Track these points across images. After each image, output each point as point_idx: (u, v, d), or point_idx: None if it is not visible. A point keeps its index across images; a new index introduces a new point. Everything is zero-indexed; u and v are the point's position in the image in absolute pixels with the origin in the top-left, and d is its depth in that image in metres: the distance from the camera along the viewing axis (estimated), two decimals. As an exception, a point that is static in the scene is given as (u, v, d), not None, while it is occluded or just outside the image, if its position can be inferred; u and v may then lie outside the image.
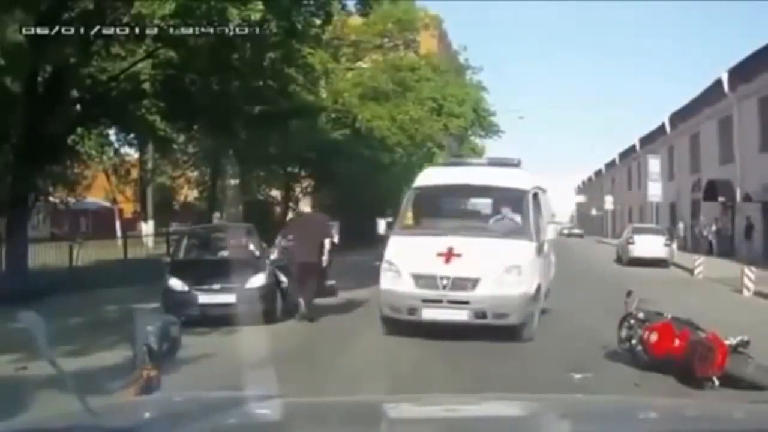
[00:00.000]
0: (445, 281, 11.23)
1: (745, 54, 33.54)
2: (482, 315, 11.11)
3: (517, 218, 12.54)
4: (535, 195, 13.05)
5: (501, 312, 11.11)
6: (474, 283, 11.21)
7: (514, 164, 13.93)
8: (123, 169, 43.37)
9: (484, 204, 14.06)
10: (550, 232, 13.26)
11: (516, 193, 12.74)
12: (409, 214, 13.21)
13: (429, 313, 11.25)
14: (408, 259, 11.67)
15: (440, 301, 11.23)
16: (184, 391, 4.42)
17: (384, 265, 11.91)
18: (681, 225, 41.88)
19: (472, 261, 11.33)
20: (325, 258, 13.76)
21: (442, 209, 13.85)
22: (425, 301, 11.28)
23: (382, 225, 13.55)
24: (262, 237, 14.75)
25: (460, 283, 11.23)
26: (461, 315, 11.15)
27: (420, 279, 11.42)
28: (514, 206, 12.71)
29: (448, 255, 11.41)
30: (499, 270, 11.31)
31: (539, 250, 12.31)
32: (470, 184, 13.12)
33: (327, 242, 13.91)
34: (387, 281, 11.75)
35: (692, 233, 39.73)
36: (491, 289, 11.15)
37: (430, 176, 13.90)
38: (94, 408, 2.25)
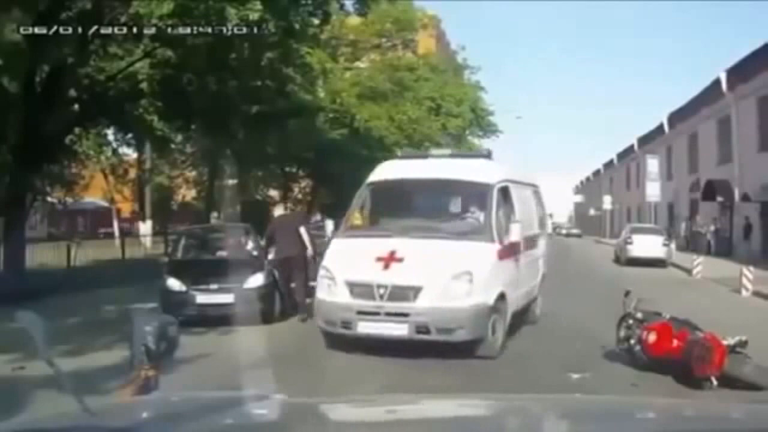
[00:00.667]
0: (382, 290, 9.76)
1: (744, 54, 33.65)
2: (424, 329, 9.64)
3: (481, 216, 11.04)
4: (504, 190, 11.45)
5: (446, 326, 9.64)
6: (415, 292, 9.73)
7: (483, 155, 12.62)
8: (121, 168, 43.38)
9: (443, 200, 12.26)
10: (513, 233, 10.88)
11: (478, 188, 11.18)
12: (358, 214, 11.79)
13: (364, 327, 9.81)
14: (345, 265, 10.31)
15: (377, 314, 9.75)
16: (182, 391, 4.42)
17: (320, 272, 10.62)
18: (683, 225, 41.73)
19: (415, 267, 9.88)
20: (309, 251, 13.69)
21: (395, 207, 12.01)
22: (360, 313, 9.82)
23: (329, 226, 12.68)
24: (260, 237, 14.74)
25: (399, 293, 9.74)
26: (400, 329, 9.66)
27: (355, 287, 9.99)
28: (476, 202, 11.25)
29: (388, 260, 9.98)
30: (444, 277, 9.84)
31: (505, 252, 10.72)
32: (427, 178, 11.55)
33: (303, 230, 13.89)
34: (322, 290, 10.47)
35: (691, 232, 39.70)
36: (435, 299, 9.70)
37: (385, 170, 12.23)
38: (91, 408, 2.25)
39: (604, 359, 10.07)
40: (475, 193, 11.33)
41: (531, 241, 12.57)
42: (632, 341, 9.68)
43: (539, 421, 2.65)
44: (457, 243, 10.34)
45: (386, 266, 9.93)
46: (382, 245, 10.25)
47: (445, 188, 11.80)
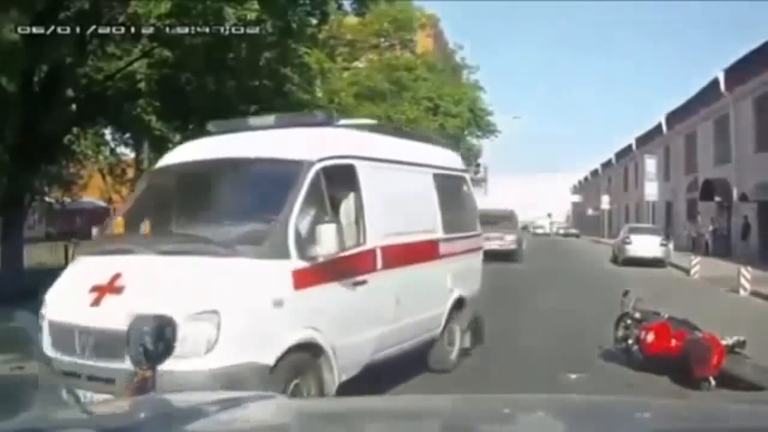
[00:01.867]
0: (84, 338, 6.09)
1: (742, 54, 33.66)
2: None
3: (277, 214, 6.87)
4: (341, 171, 7.58)
5: None
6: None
7: (318, 123, 8.18)
8: (119, 168, 43.36)
9: (234, 192, 7.97)
10: (324, 241, 6.70)
11: (283, 169, 7.26)
12: (121, 219, 8.17)
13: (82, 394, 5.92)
14: (58, 298, 6.70)
15: (78, 376, 5.93)
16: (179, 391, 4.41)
17: (42, 310, 6.81)
18: (687, 225, 41.28)
19: (134, 301, 5.96)
20: None
21: (168, 206, 8.24)
22: (65, 374, 5.97)
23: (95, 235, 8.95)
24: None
25: (105, 344, 5.90)
26: None
27: (57, 333, 6.37)
28: (281, 192, 7.04)
29: (105, 290, 6.27)
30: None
31: (321, 273, 6.82)
32: (217, 159, 7.74)
33: None
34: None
35: (696, 233, 39.36)
36: None
37: (177, 153, 8.60)
38: (89, 408, 2.24)
39: (602, 359, 10.07)
40: (279, 179, 7.38)
41: (416, 251, 8.65)
42: (630, 341, 9.69)
43: (536, 421, 2.65)
44: (216, 261, 6.35)
45: (97, 300, 6.24)
46: (110, 266, 6.55)
47: (237, 173, 7.88)
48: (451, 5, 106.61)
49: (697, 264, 25.11)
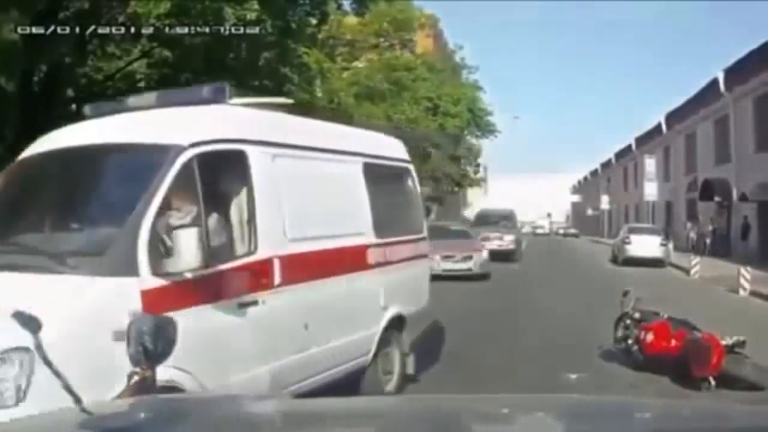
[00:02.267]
0: None
1: (742, 54, 33.67)
2: None
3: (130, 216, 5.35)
4: (227, 158, 6.04)
5: None
6: None
7: (204, 99, 6.40)
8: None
9: (88, 188, 6.23)
10: (184, 252, 5.14)
11: (145, 158, 5.79)
12: None
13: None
14: None
15: None
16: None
17: None
18: (689, 225, 41.06)
19: None
20: None
21: (19, 206, 6.27)
22: None
23: None
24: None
25: None
26: None
27: None
28: (140, 186, 5.49)
29: None
30: None
31: (186, 293, 5.26)
32: (75, 146, 6.14)
33: None
34: None
35: (698, 234, 39.14)
36: None
37: (43, 141, 6.77)
38: (89, 408, 2.24)
39: (602, 359, 10.09)
40: (138, 170, 5.88)
41: (334, 260, 7.03)
42: (630, 341, 9.70)
43: (536, 421, 2.65)
44: (39, 279, 4.91)
45: None
46: None
47: (91, 164, 6.18)
48: (451, 5, 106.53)
49: (697, 264, 25.12)
